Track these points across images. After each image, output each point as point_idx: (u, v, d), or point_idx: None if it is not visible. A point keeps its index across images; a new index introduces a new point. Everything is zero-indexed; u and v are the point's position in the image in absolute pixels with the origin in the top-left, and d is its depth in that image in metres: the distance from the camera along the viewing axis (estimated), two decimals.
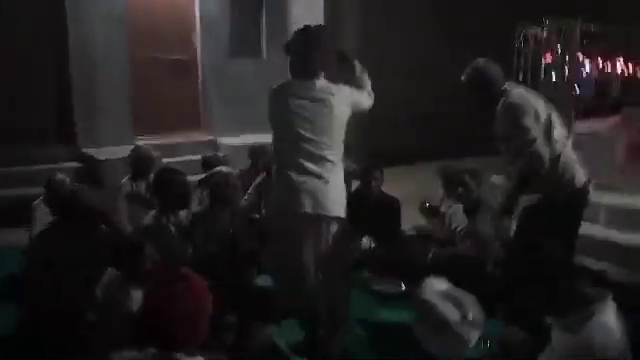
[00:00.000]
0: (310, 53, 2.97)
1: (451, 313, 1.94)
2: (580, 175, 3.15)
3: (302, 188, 2.84)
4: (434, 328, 1.92)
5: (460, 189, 4.07)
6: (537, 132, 3.06)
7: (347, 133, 3.01)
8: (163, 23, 7.53)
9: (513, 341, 2.98)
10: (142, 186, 4.78)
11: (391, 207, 4.74)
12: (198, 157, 5.96)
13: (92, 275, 2.79)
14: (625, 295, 2.86)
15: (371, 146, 7.29)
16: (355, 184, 5.03)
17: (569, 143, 3.22)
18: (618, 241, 4.44)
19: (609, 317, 2.23)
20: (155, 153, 5.10)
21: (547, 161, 3.02)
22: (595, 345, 2.13)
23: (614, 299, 2.18)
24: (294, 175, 2.85)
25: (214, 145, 7.72)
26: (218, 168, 4.68)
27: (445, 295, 2.04)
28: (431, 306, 1.97)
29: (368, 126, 8.01)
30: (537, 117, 3.10)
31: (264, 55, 8.40)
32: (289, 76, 3.09)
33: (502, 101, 3.19)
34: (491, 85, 3.26)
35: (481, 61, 3.29)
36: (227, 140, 7.75)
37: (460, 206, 4.17)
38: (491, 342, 3.35)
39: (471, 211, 4.08)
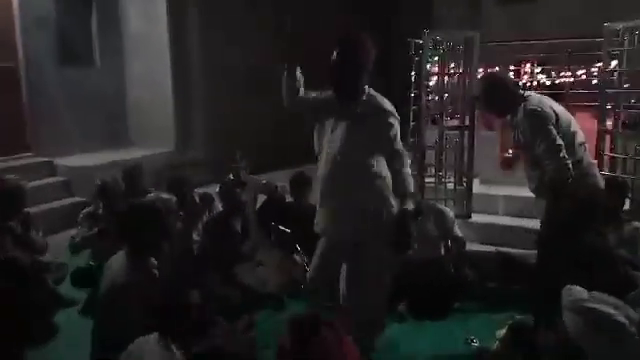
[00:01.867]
0: None
1: (619, 316, 2.01)
2: (599, 177, 3.35)
3: None
4: (610, 335, 1.97)
5: None
6: (560, 139, 3.13)
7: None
8: None
9: (524, 329, 3.20)
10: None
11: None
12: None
13: None
14: None
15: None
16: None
17: (587, 147, 3.38)
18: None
19: None
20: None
21: (571, 167, 3.11)
22: None
23: None
24: None
25: (50, 168, 6.61)
26: (154, 194, 4.05)
27: (599, 299, 2.11)
28: (601, 313, 2.01)
29: (211, 141, 7.87)
30: (559, 123, 3.19)
31: (97, 63, 7.47)
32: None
33: (522, 108, 3.23)
34: (509, 93, 3.31)
35: (493, 73, 3.37)
36: (67, 161, 6.70)
37: None
38: (475, 340, 3.58)
39: (417, 214, 4.23)
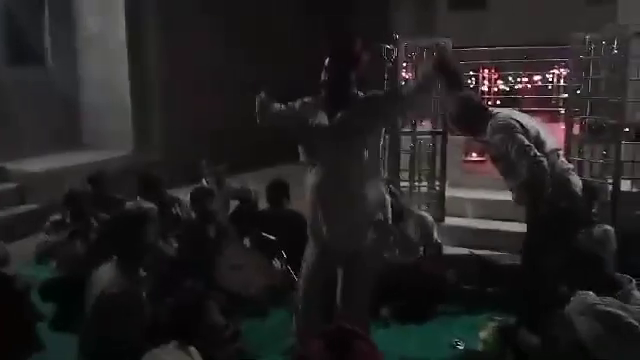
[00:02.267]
0: None
1: (630, 318, 2.09)
2: (576, 181, 3.39)
3: None
4: (626, 336, 2.03)
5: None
6: (528, 141, 3.18)
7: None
8: None
9: (512, 330, 3.29)
10: None
11: (299, 224, 4.60)
12: None
13: None
14: None
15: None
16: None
17: (561, 154, 3.45)
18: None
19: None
20: None
21: (547, 168, 3.15)
22: None
23: None
24: None
25: (3, 173, 6.25)
26: (134, 202, 3.88)
27: (610, 304, 2.18)
28: (617, 316, 2.07)
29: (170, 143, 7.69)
30: (525, 131, 3.24)
31: (49, 63, 7.13)
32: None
33: (490, 125, 3.32)
34: (478, 113, 3.40)
35: (463, 94, 3.46)
36: (18, 166, 6.35)
37: None
38: (460, 342, 3.65)
39: (397, 219, 4.26)
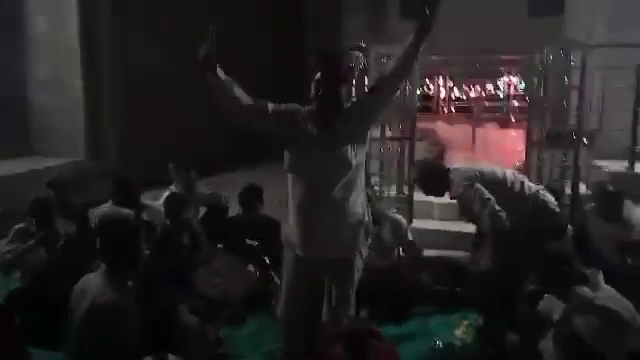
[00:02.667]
0: None
1: (625, 312, 2.24)
2: (550, 199, 3.65)
3: None
4: (620, 328, 2.17)
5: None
6: (488, 193, 3.48)
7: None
8: None
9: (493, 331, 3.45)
10: None
11: (274, 229, 4.62)
12: None
13: None
14: None
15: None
16: None
17: (532, 185, 3.72)
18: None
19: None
20: None
21: (505, 219, 3.42)
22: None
23: None
24: None
25: None
26: (112, 209, 3.78)
27: (606, 298, 2.32)
28: (612, 311, 2.22)
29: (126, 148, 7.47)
30: (486, 179, 3.56)
31: None
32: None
33: (453, 181, 3.62)
34: (442, 177, 3.71)
35: (427, 161, 3.70)
36: None
37: None
38: (438, 342, 3.78)
39: (373, 222, 4.35)
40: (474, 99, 7.33)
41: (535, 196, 3.60)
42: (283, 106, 2.80)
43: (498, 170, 3.73)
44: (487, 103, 7.19)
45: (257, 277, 4.04)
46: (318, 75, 2.66)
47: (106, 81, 7.43)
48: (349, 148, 2.71)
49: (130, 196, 4.33)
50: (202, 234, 4.39)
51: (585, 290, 2.49)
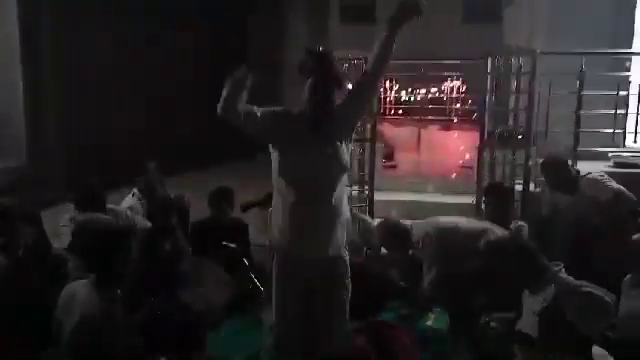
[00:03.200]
0: None
1: (606, 297, 2.49)
2: (524, 229, 4.05)
3: None
4: (598, 310, 2.41)
5: None
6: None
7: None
8: None
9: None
10: None
11: (243, 232, 4.63)
12: None
13: None
14: None
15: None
16: None
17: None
18: None
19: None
20: None
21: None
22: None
23: None
24: None
25: None
26: (93, 216, 3.64)
27: (589, 284, 2.56)
28: (596, 296, 2.47)
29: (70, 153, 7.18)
30: (442, 233, 3.89)
31: None
32: None
33: (414, 237, 4.04)
34: (404, 237, 4.08)
35: (391, 221, 4.14)
36: None
37: None
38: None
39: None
40: (419, 102, 7.63)
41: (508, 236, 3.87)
42: (270, 110, 2.78)
43: (460, 223, 4.02)
44: (431, 106, 7.50)
45: (239, 282, 3.98)
46: (311, 81, 2.66)
47: (48, 84, 7.12)
48: (342, 149, 2.77)
49: (96, 201, 4.20)
50: (185, 242, 4.29)
51: (569, 278, 2.72)
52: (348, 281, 2.93)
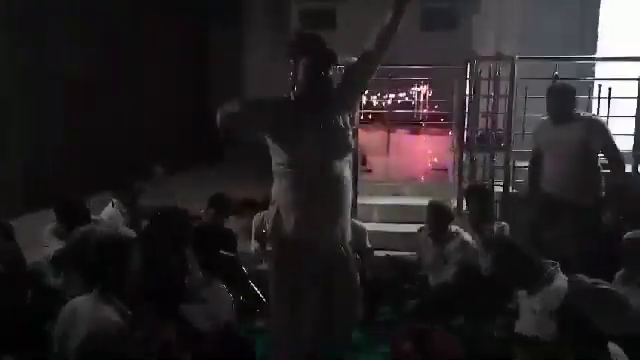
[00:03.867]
0: None
1: (619, 292, 2.56)
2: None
3: None
4: (615, 307, 2.49)
5: None
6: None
7: None
8: None
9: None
10: None
11: (232, 239, 4.54)
12: None
13: None
14: None
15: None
16: None
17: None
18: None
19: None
20: None
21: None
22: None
23: None
24: None
25: None
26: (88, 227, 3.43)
27: (603, 282, 2.63)
28: (612, 292, 2.55)
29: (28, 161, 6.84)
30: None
31: None
32: None
33: None
34: None
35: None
36: None
37: None
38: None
39: None
40: (388, 107, 7.74)
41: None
42: (264, 101, 2.79)
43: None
44: (400, 110, 7.62)
45: (238, 291, 3.84)
46: (304, 62, 2.65)
47: (4, 86, 6.76)
48: (344, 129, 2.75)
49: (79, 213, 3.99)
50: (194, 258, 3.98)
51: (582, 276, 2.80)
52: (357, 274, 2.94)
